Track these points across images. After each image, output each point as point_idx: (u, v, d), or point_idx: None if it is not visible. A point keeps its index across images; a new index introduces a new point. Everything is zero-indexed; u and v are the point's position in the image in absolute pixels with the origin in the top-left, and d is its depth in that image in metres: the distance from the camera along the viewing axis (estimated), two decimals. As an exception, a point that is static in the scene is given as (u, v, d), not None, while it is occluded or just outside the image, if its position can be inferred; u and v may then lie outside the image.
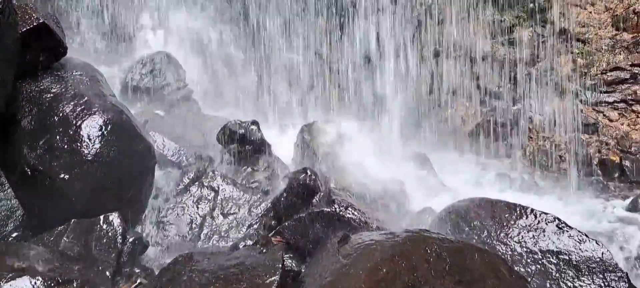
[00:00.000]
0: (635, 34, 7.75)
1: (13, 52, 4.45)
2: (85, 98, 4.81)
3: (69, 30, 6.96)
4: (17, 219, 4.38)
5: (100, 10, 7.40)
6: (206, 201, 5.07)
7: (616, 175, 7.11)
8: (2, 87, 4.34)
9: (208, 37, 8.02)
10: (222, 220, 4.94)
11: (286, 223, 4.44)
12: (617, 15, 7.97)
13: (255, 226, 4.86)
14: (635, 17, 7.77)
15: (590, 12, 8.12)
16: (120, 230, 4.23)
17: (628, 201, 6.10)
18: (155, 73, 6.74)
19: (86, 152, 4.50)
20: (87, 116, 4.68)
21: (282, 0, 7.85)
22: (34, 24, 4.84)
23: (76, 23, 7.38)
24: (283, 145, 5.88)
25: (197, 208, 5.03)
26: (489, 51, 8.34)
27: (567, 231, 3.89)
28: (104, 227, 4.24)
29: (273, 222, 4.79)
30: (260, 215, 4.95)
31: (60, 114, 4.64)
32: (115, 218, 4.28)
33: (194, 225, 4.90)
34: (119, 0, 7.49)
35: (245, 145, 5.47)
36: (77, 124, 4.61)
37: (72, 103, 4.74)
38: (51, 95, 4.78)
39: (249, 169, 5.38)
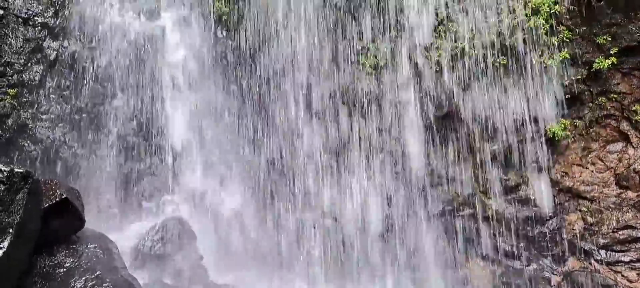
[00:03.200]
0: (640, 193, 7.85)
1: (35, 229, 4.57)
2: (97, 272, 4.83)
3: (86, 197, 7.21)
4: None
5: (117, 178, 7.74)
6: None
7: (647, 342, 6.71)
8: (18, 264, 4.38)
9: (221, 200, 8.21)
10: None
11: None
12: (618, 174, 8.16)
13: None
14: (637, 176, 7.93)
15: (592, 171, 8.32)
16: None
17: None
18: (167, 240, 6.82)
19: (93, 332, 4.39)
20: (97, 292, 4.65)
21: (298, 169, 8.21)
22: (57, 199, 5.04)
23: (95, 189, 7.66)
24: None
25: None
26: (498, 209, 8.40)
27: None
28: None
29: None
30: None
31: (71, 291, 4.62)
32: None
33: None
34: (137, 167, 7.85)
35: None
36: (87, 301, 4.56)
37: (84, 278, 4.75)
38: (64, 269, 4.81)
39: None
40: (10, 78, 7.70)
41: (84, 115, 7.87)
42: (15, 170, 4.52)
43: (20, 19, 7.94)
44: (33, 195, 4.58)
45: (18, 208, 4.39)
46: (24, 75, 7.78)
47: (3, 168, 4.45)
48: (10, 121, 7.58)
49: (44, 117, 7.75)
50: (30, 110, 7.70)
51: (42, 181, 5.13)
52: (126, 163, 7.80)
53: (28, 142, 7.62)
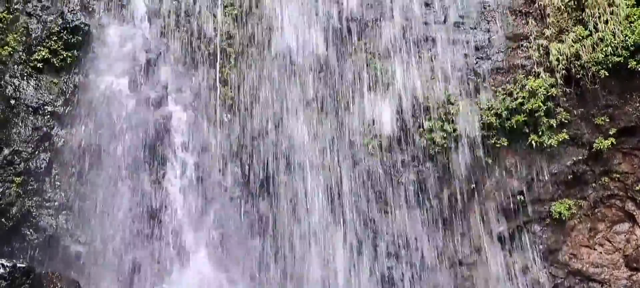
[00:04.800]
0: (651, 276, 7.70)
1: (32, 329, 4.45)
2: None
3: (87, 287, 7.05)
4: None
5: (119, 266, 7.60)
6: None
7: None
8: None
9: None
10: None
11: None
12: (627, 255, 8.03)
13: None
14: (646, 259, 7.82)
15: (601, 253, 8.19)
16: None
17: None
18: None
19: None
20: None
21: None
22: (57, 294, 4.95)
23: (96, 278, 7.49)
24: None
25: None
26: (507, 291, 8.19)
27: None
28: None
29: None
30: None
31: None
32: None
33: None
34: (140, 255, 7.74)
35: None
36: None
37: None
38: None
39: None
40: (17, 166, 7.75)
41: (88, 202, 7.86)
42: (18, 265, 4.49)
43: (30, 108, 8.10)
44: (33, 291, 4.50)
45: (18, 305, 4.30)
46: (30, 163, 7.83)
47: (6, 264, 4.42)
48: (14, 209, 7.55)
49: (48, 204, 7.74)
50: (34, 198, 7.69)
51: (43, 274, 5.07)
52: (129, 251, 7.69)
53: (31, 230, 7.55)
